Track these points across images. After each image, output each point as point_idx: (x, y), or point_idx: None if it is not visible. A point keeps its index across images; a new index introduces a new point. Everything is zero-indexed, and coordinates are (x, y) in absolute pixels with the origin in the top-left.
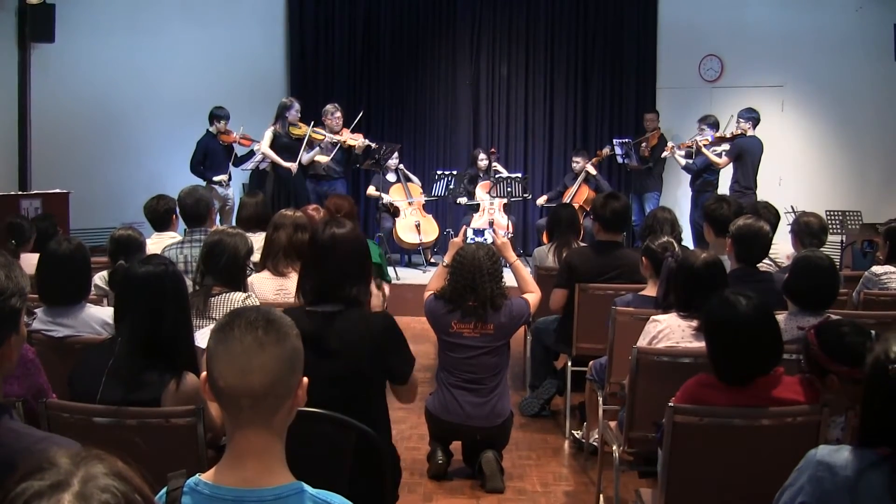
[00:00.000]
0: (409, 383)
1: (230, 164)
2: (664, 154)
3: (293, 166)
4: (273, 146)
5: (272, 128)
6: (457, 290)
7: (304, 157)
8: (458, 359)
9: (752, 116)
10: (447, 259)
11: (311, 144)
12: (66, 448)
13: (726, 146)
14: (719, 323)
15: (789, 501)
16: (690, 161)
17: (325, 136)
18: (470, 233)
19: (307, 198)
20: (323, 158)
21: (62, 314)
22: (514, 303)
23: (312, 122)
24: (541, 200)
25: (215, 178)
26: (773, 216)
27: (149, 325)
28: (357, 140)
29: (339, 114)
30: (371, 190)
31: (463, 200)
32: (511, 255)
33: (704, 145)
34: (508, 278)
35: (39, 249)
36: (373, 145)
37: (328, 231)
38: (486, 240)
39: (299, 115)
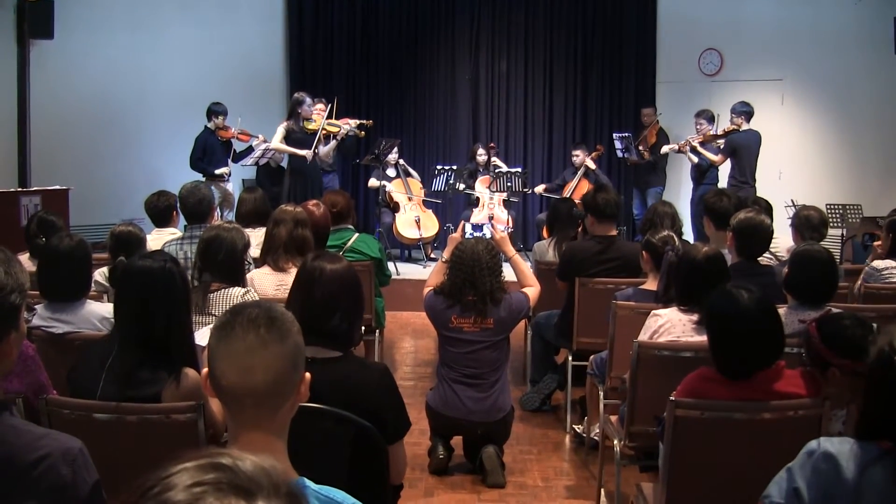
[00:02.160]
0: (398, 446)
1: (229, 159)
2: (665, 149)
3: (307, 153)
4: (286, 142)
5: (284, 124)
6: (456, 285)
7: (322, 149)
8: (458, 354)
9: (745, 110)
10: (446, 254)
11: (327, 137)
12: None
13: (721, 142)
14: (721, 317)
15: (784, 485)
16: (700, 158)
17: (339, 127)
18: (468, 228)
19: (322, 192)
20: (310, 151)
21: (62, 310)
22: (514, 297)
23: (326, 115)
24: (539, 189)
25: (217, 171)
26: (764, 209)
27: (142, 320)
28: (345, 124)
29: (320, 105)
30: (373, 181)
31: (461, 186)
32: (510, 250)
33: (699, 143)
34: (508, 273)
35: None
36: (364, 122)
37: (316, 263)
38: (484, 235)
39: (312, 110)
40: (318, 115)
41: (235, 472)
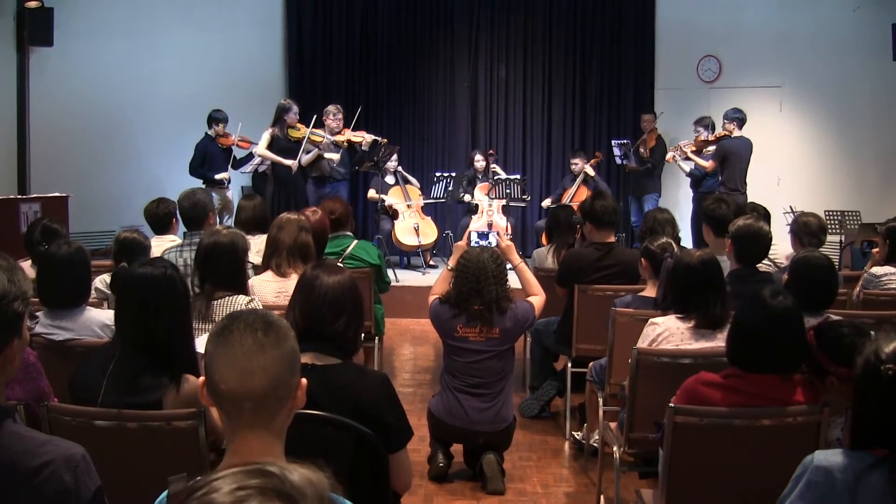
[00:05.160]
0: (402, 454)
1: (229, 166)
2: (665, 157)
3: (293, 164)
4: (271, 148)
5: (270, 130)
6: (462, 294)
7: (304, 158)
8: (463, 363)
9: (738, 117)
10: (452, 262)
11: (311, 146)
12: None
13: (712, 148)
14: (766, 306)
15: None
16: (693, 166)
17: (324, 137)
18: (474, 236)
19: (306, 200)
20: (334, 156)
21: (62, 317)
22: (520, 306)
23: (312, 124)
24: (546, 203)
25: (217, 176)
26: (762, 216)
27: (143, 327)
28: (361, 136)
29: (340, 115)
30: (371, 193)
31: (467, 198)
32: (515, 258)
33: (692, 151)
34: (513, 281)
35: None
36: (379, 139)
37: (317, 271)
38: (490, 243)
39: (298, 117)
40: (335, 123)
41: (282, 480)
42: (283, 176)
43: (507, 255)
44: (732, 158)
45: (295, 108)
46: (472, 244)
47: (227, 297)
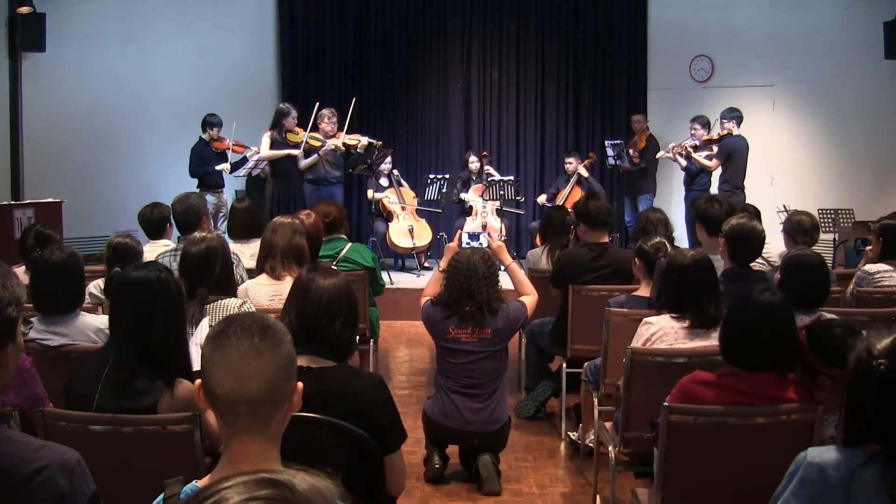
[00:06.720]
0: (396, 456)
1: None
2: (659, 155)
3: (299, 152)
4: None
5: (269, 133)
6: (453, 296)
7: (301, 163)
8: (456, 364)
9: (735, 115)
10: (443, 264)
11: (309, 151)
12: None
13: (714, 148)
14: (757, 305)
15: None
16: (689, 162)
17: (322, 142)
18: (465, 237)
19: (305, 202)
20: (329, 147)
21: (57, 323)
22: (512, 306)
23: (309, 127)
24: (541, 199)
25: (217, 167)
26: (752, 215)
27: (138, 331)
28: (356, 139)
29: (334, 118)
30: (371, 193)
31: (463, 196)
32: (507, 259)
33: (693, 149)
34: (505, 282)
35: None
36: (374, 142)
37: (312, 274)
38: (481, 244)
39: (296, 122)
40: (330, 127)
41: (292, 490)
42: (285, 176)
43: (499, 256)
44: (736, 157)
45: (294, 113)
46: (464, 245)
47: (219, 301)
